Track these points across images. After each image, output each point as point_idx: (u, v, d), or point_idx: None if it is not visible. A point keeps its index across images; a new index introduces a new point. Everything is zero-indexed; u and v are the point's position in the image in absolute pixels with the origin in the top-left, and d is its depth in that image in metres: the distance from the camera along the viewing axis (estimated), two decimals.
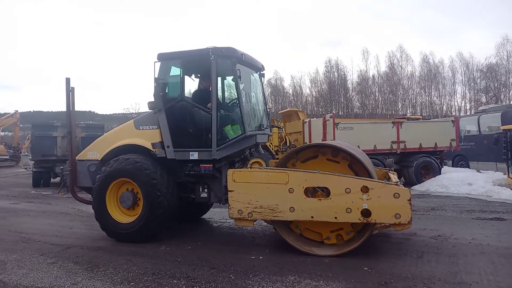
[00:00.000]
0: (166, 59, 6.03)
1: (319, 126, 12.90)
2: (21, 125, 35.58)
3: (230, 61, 5.65)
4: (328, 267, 4.57)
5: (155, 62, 5.98)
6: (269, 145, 15.61)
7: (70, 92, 6.54)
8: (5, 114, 33.52)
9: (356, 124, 13.03)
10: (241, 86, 6.00)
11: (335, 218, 4.72)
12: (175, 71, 6.06)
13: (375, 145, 12.25)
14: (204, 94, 5.93)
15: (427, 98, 53.50)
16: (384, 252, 5.18)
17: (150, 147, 5.97)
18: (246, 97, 6.33)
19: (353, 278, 4.20)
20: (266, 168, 5.25)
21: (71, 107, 6.66)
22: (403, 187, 4.74)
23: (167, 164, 5.95)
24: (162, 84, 5.95)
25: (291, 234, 5.22)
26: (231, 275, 4.39)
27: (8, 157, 29.59)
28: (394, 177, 6.08)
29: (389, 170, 6.78)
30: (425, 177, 12.45)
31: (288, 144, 16.47)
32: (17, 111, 32.59)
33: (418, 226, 6.60)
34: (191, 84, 6.66)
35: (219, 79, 6.50)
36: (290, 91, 60.25)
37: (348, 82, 55.91)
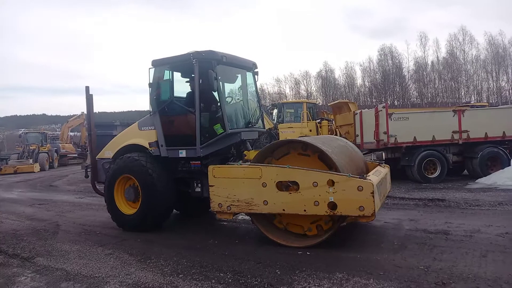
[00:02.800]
0: (158, 65, 6.52)
1: (371, 117, 12.32)
2: (87, 125, 38.35)
3: (211, 63, 5.91)
4: (380, 265, 4.34)
5: (149, 68, 6.52)
6: None
7: (89, 98, 7.40)
8: (73, 115, 36.38)
9: (412, 113, 12.24)
10: (231, 86, 6.74)
11: (304, 210, 4.84)
12: (167, 75, 6.51)
13: (433, 136, 11.43)
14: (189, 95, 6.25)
15: (495, 84, 49.14)
16: (443, 250, 4.80)
17: (147, 146, 6.53)
18: (233, 96, 6.86)
19: (407, 278, 3.94)
20: (242, 164, 5.48)
21: (90, 111, 7.52)
22: (370, 180, 4.61)
23: (164, 161, 6.42)
24: (155, 88, 6.50)
25: (270, 227, 5.40)
26: (277, 270, 4.33)
27: (76, 155, 32.12)
28: (383, 170, 5.92)
29: (380, 163, 6.56)
30: (492, 169, 11.37)
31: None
32: (83, 112, 35.17)
33: (482, 223, 6.05)
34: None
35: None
36: (341, 82, 58.54)
37: (404, 70, 53.12)
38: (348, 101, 17.62)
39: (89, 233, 6.68)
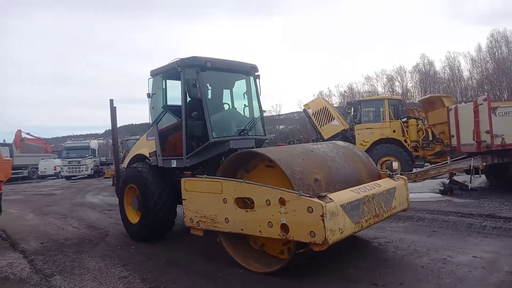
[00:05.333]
0: (155, 74, 6.52)
1: (469, 113, 9.99)
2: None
3: (195, 69, 5.77)
4: None
5: (148, 78, 6.58)
6: (404, 141, 13.24)
7: (113, 111, 7.63)
8: None
9: None
10: (227, 92, 6.69)
11: (260, 232, 4.28)
12: (163, 84, 6.35)
13: None
14: (191, 103, 6.01)
15: None
16: None
17: (148, 156, 6.64)
18: (226, 102, 6.67)
19: None
20: (207, 177, 4.90)
21: (114, 123, 7.76)
22: (321, 200, 3.74)
23: (164, 171, 6.34)
24: (153, 98, 6.54)
25: (238, 247, 4.88)
26: None
27: None
28: (384, 184, 4.94)
29: (390, 173, 5.40)
30: None
31: (431, 138, 13.71)
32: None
33: None
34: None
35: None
36: (444, 76, 52.06)
37: None
38: (441, 95, 14.99)
39: (125, 247, 6.32)
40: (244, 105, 6.65)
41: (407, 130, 13.56)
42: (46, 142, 44.09)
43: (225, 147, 5.83)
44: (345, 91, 58.88)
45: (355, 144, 13.54)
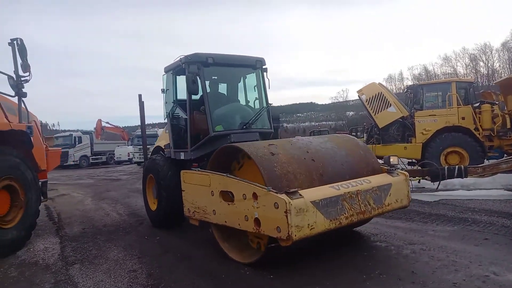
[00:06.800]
0: (167, 70, 6.84)
1: None
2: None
3: (196, 66, 5.89)
4: None
5: (163, 75, 6.92)
6: (475, 129, 11.60)
7: (141, 105, 8.30)
8: None
9: None
10: (233, 86, 6.88)
11: (239, 225, 4.42)
12: (174, 80, 6.70)
13: None
14: (201, 98, 6.24)
15: None
16: None
17: (163, 147, 7.19)
18: (231, 96, 6.82)
19: None
20: (199, 170, 5.13)
21: (142, 117, 8.54)
22: (285, 196, 3.76)
23: (179, 162, 6.53)
24: (167, 93, 6.88)
25: (226, 239, 5.03)
26: None
27: None
28: (375, 180, 4.71)
29: (389, 169, 5.08)
30: None
31: (509, 126, 11.86)
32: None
33: None
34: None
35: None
36: None
37: None
38: None
39: (152, 237, 6.43)
40: (255, 98, 6.73)
41: (479, 117, 11.84)
42: (123, 130, 47.82)
43: (226, 140, 5.85)
44: (419, 74, 54.39)
45: (414, 133, 12.24)
